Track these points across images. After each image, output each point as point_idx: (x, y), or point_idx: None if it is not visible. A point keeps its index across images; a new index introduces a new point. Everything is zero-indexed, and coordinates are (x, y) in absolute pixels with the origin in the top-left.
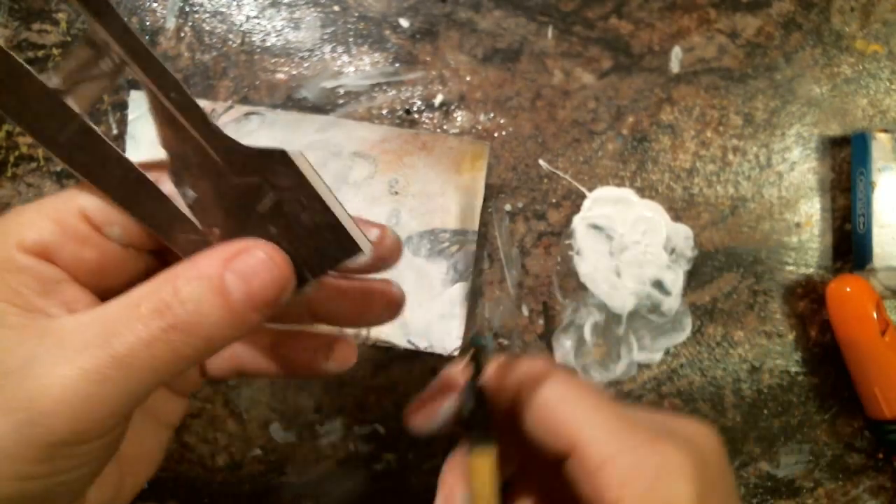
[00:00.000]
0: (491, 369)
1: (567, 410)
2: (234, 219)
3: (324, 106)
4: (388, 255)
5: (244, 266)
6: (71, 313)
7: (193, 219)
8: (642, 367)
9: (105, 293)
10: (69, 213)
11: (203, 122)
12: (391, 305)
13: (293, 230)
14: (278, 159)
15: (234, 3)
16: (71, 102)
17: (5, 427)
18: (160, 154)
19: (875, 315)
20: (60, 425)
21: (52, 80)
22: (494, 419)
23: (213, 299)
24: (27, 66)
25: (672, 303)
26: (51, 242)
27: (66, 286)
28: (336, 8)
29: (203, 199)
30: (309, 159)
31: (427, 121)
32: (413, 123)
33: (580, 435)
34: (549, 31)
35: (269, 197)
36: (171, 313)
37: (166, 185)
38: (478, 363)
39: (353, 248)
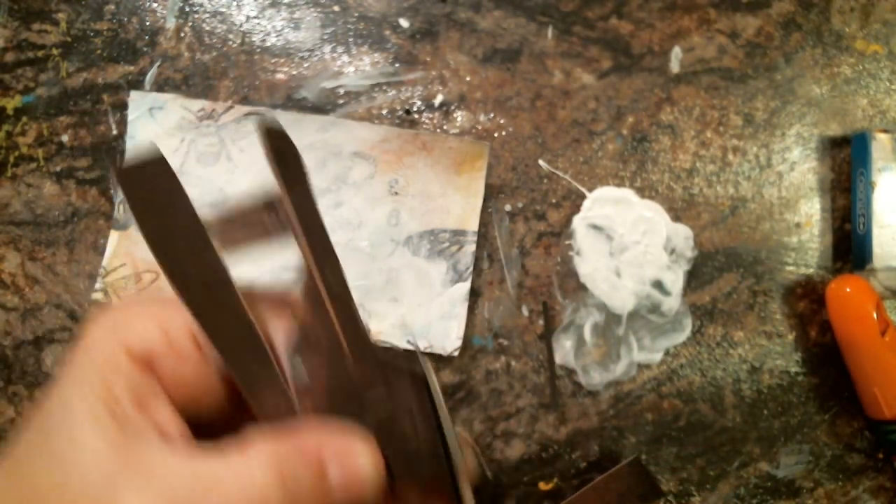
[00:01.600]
0: None
1: None
2: (333, 399)
3: (324, 106)
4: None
5: (350, 463)
6: (161, 436)
7: (291, 386)
8: (642, 367)
9: (190, 411)
10: (178, 325)
11: (347, 310)
12: None
13: (392, 433)
14: (409, 376)
15: (234, 3)
16: (217, 244)
17: None
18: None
19: (875, 315)
20: None
21: (209, 217)
22: None
23: (311, 487)
24: (186, 191)
25: (672, 303)
26: (155, 353)
27: (160, 404)
28: (336, 8)
29: (309, 371)
30: (437, 384)
31: (427, 121)
32: (413, 123)
33: None
34: (549, 31)
35: (382, 396)
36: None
37: (275, 335)
38: None
39: (448, 479)
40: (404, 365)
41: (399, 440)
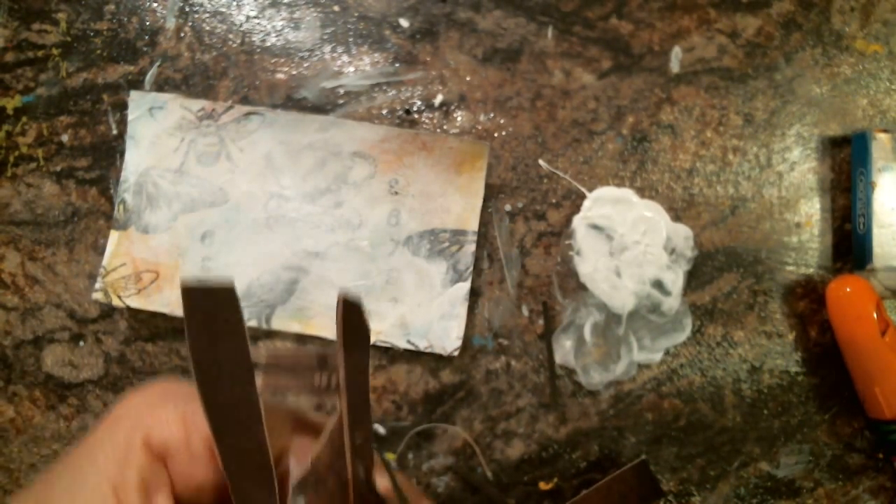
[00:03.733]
0: None
1: None
2: None
3: (324, 106)
4: None
5: None
6: None
7: None
8: (642, 367)
9: (187, 502)
10: (200, 428)
11: (366, 473)
12: None
13: None
14: None
15: (234, 3)
16: (259, 378)
17: None
18: (157, 154)
19: (875, 315)
20: None
21: (260, 355)
22: None
23: None
24: (245, 327)
25: (672, 303)
26: (172, 448)
27: (163, 496)
28: (336, 8)
29: None
30: None
31: (427, 121)
32: (413, 123)
33: None
34: (549, 31)
35: None
36: None
37: (292, 468)
38: None
39: None
40: None
41: None
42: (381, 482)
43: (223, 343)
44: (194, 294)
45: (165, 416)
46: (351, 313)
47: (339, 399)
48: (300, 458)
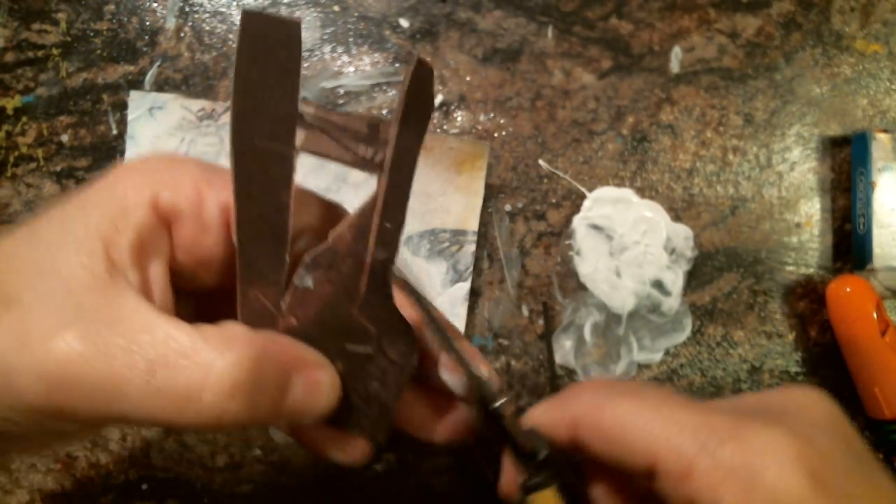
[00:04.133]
0: (541, 410)
1: (636, 427)
2: (318, 329)
3: (324, 106)
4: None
5: (313, 386)
6: (143, 292)
7: (286, 295)
8: (642, 367)
9: (184, 283)
10: (217, 195)
11: (385, 264)
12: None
13: (355, 385)
14: (408, 338)
15: (234, 3)
16: (300, 132)
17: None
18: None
19: (875, 315)
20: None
21: (308, 108)
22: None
23: (274, 387)
24: (300, 69)
25: (672, 303)
26: (180, 212)
27: (158, 263)
28: (336, 8)
29: (311, 292)
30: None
31: None
32: None
33: (656, 448)
34: (549, 31)
35: (364, 349)
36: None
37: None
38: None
39: (379, 439)
40: (409, 335)
41: (360, 395)
42: (398, 296)
43: (272, 82)
44: (255, 20)
45: (179, 177)
46: (421, 79)
47: (378, 176)
48: (321, 239)
